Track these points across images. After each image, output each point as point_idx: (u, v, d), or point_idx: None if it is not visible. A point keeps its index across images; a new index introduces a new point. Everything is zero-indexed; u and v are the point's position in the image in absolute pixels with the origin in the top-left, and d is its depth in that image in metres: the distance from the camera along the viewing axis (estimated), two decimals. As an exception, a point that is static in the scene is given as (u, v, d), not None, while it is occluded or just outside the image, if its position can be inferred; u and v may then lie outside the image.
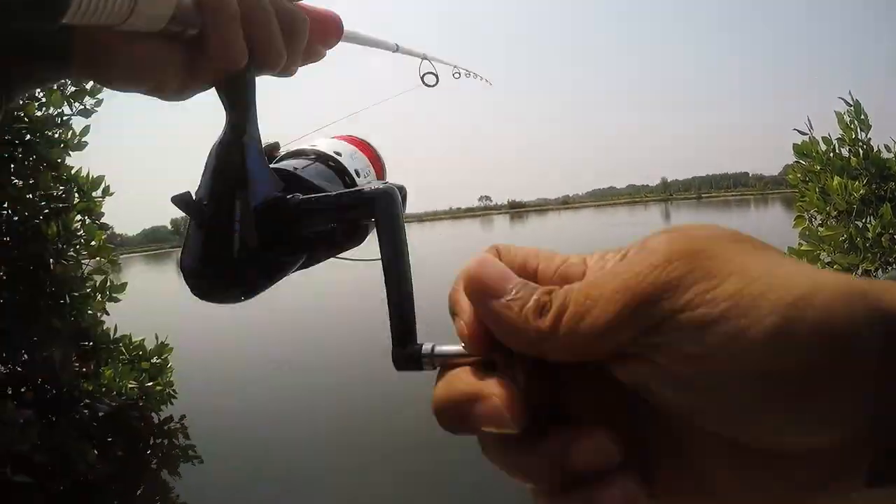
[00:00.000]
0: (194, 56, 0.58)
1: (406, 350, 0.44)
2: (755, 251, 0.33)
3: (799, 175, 5.65)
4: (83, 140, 6.61)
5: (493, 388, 0.35)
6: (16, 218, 5.98)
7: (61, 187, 6.40)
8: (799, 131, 5.53)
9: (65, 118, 6.31)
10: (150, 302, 6.38)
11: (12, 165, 5.97)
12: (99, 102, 6.62)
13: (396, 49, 1.24)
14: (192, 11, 0.55)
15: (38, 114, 5.94)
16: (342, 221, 0.62)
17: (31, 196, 6.07)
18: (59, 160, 6.36)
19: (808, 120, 5.56)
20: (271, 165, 0.63)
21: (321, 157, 0.68)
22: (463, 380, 0.37)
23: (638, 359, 0.33)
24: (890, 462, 0.30)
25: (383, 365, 0.48)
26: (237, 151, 0.58)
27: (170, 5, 0.52)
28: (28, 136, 5.97)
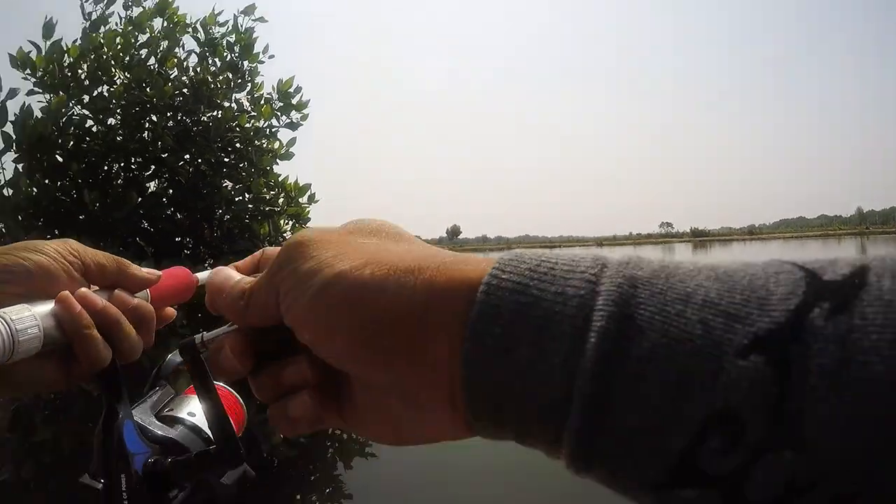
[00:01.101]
0: (67, 362, 0.70)
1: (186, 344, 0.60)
2: (373, 241, 0.47)
3: None
4: (290, 150, 7.21)
5: (229, 342, 0.50)
6: (227, 217, 6.58)
7: (271, 192, 6.99)
8: None
9: (273, 129, 6.93)
10: None
11: (224, 170, 6.60)
12: (305, 117, 7.17)
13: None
14: (56, 331, 0.67)
15: (248, 125, 6.55)
16: (206, 474, 0.73)
17: (241, 198, 6.67)
18: (268, 167, 6.98)
19: None
20: (151, 432, 0.74)
21: (184, 421, 0.78)
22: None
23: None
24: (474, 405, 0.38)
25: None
26: (116, 430, 0.69)
27: (39, 338, 0.64)
28: (239, 145, 6.62)
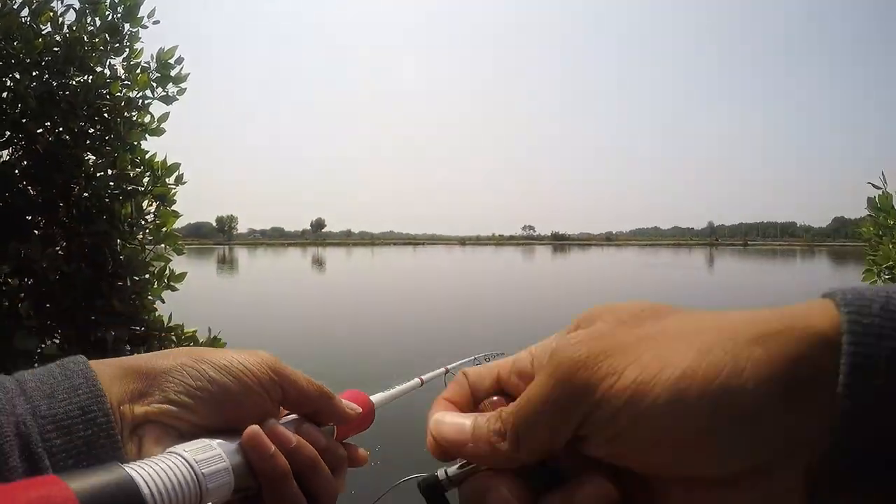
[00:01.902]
0: None
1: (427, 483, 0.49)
2: (653, 328, 0.42)
3: (872, 229, 5.56)
4: (162, 126, 6.55)
5: (500, 483, 0.45)
6: (86, 194, 5.84)
7: (137, 169, 6.29)
8: (873, 185, 5.46)
9: (146, 101, 6.24)
10: (189, 294, 6.34)
11: (87, 141, 5.84)
12: (182, 91, 6.54)
13: (422, 384, 1.26)
14: (248, 475, 0.56)
15: (119, 94, 5.83)
16: None
17: (103, 174, 5.94)
18: (135, 143, 6.28)
19: (883, 175, 5.52)
20: None
21: None
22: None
23: (584, 442, 0.42)
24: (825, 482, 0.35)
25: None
26: None
27: (230, 486, 0.54)
28: (107, 115, 5.88)
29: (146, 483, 0.46)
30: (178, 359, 0.59)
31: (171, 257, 6.93)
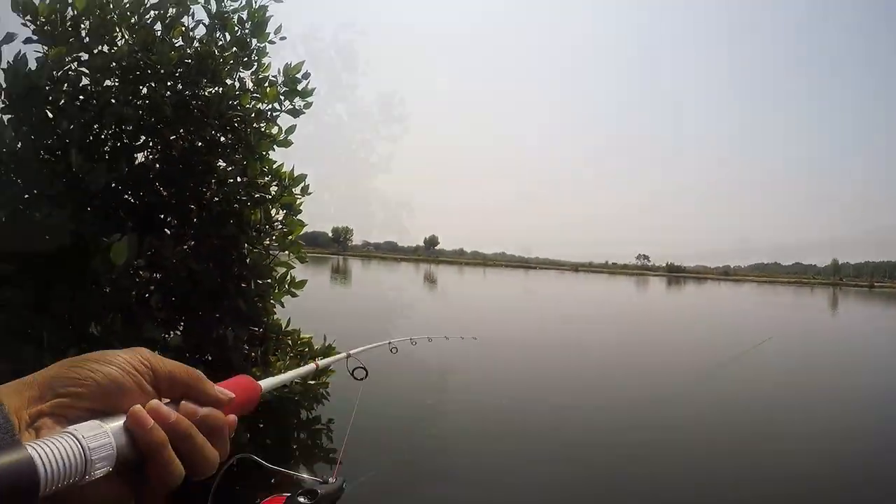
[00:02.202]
0: (137, 480, 0.65)
1: None
2: None
3: None
4: (289, 138, 6.87)
5: None
6: (217, 198, 6.21)
7: (265, 178, 6.63)
8: None
9: (274, 114, 6.59)
10: (303, 302, 6.64)
11: (220, 149, 6.23)
12: (308, 105, 6.84)
13: (317, 369, 1.71)
14: (129, 448, 0.63)
15: (249, 106, 6.19)
16: None
17: (234, 181, 6.29)
18: (265, 152, 6.63)
19: None
20: None
21: None
22: None
23: None
24: None
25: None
26: None
27: (112, 457, 0.60)
28: (238, 125, 6.26)
29: (39, 455, 0.53)
30: (62, 365, 0.68)
31: (293, 264, 7.24)
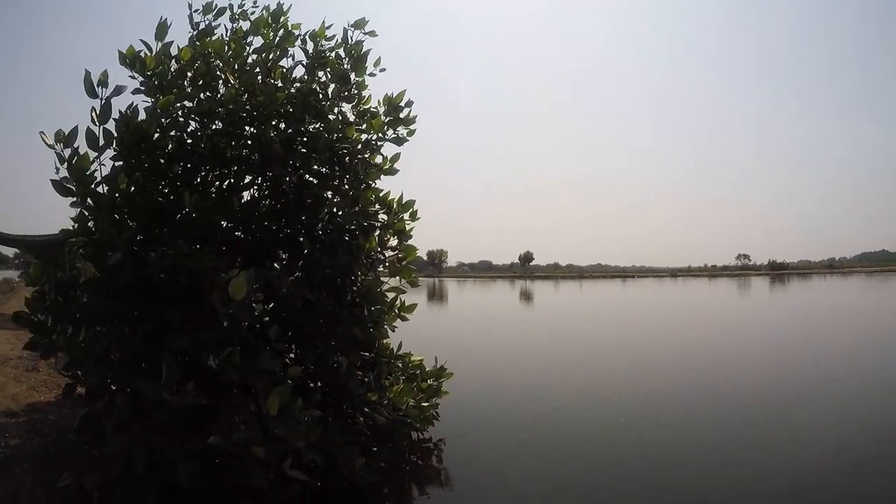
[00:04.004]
0: None
1: None
2: None
3: None
4: (394, 166, 6.89)
5: None
6: (329, 229, 6.29)
7: (377, 206, 6.67)
8: None
9: (378, 144, 6.64)
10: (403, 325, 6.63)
11: (328, 182, 6.32)
12: (412, 132, 6.80)
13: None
14: None
15: (353, 137, 6.25)
16: None
17: (345, 211, 6.33)
18: (372, 182, 6.66)
19: None
20: None
21: None
22: None
23: None
24: None
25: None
26: None
27: None
28: (345, 157, 6.34)
29: None
30: None
31: (405, 289, 7.22)
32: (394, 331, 6.75)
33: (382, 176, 6.72)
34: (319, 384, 5.89)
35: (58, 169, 4.40)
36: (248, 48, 5.55)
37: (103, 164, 4.59)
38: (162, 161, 4.93)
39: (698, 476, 6.05)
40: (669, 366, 12.87)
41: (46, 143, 4.33)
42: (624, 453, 6.74)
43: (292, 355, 5.80)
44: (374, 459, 5.76)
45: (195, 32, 5.47)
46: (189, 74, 5.16)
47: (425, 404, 6.61)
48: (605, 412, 8.59)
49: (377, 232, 6.69)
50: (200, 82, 5.18)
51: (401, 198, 6.74)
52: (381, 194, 6.66)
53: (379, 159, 6.61)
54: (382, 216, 6.71)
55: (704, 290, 57.90)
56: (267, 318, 5.62)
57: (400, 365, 6.83)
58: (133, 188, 4.70)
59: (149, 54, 4.95)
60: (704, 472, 6.19)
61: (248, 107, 5.34)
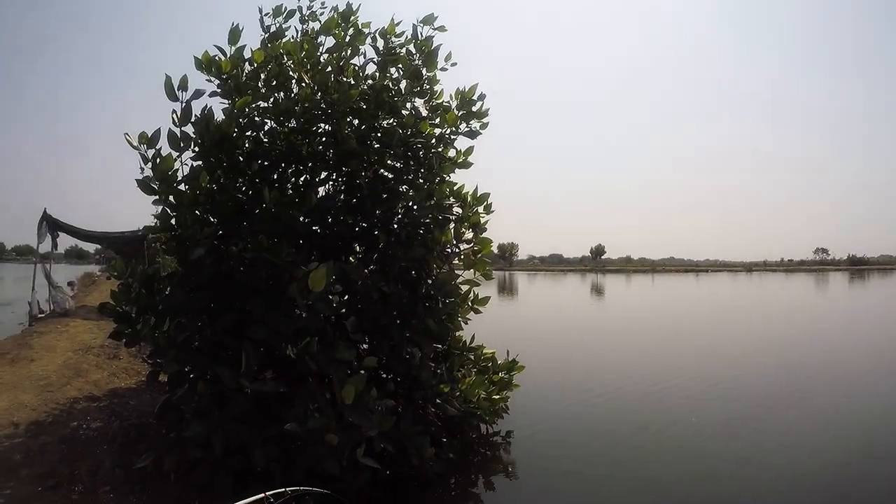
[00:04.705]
0: None
1: None
2: None
3: None
4: (468, 159, 6.87)
5: None
6: (405, 222, 6.36)
7: (452, 199, 6.68)
8: None
9: (452, 138, 6.63)
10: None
11: (403, 176, 6.39)
12: (485, 126, 6.74)
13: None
14: None
15: (427, 131, 6.27)
16: None
17: (421, 204, 6.37)
18: (447, 175, 6.68)
19: None
20: None
21: None
22: None
23: None
24: None
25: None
26: None
27: None
28: (420, 151, 6.39)
29: None
30: None
31: (479, 282, 7.20)
32: (467, 323, 6.74)
33: (457, 169, 6.69)
34: (393, 375, 5.96)
35: (142, 169, 4.64)
36: (320, 48, 5.65)
37: (185, 164, 4.81)
38: (241, 159, 5.13)
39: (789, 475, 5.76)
40: (748, 366, 12.28)
41: (131, 145, 4.57)
42: (705, 450, 6.52)
43: (367, 346, 5.89)
44: (444, 450, 5.78)
45: (266, 35, 5.63)
46: (262, 76, 5.32)
47: (496, 397, 6.57)
48: (679, 409, 8.33)
49: (452, 225, 6.66)
50: (274, 83, 5.33)
51: (475, 191, 6.70)
52: (455, 187, 6.65)
53: (452, 153, 6.57)
54: (457, 209, 6.68)
55: (785, 286, 54.52)
56: (343, 310, 5.77)
57: (472, 357, 6.83)
58: (214, 186, 4.91)
59: (223, 58, 5.14)
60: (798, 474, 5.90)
61: (322, 105, 5.45)
